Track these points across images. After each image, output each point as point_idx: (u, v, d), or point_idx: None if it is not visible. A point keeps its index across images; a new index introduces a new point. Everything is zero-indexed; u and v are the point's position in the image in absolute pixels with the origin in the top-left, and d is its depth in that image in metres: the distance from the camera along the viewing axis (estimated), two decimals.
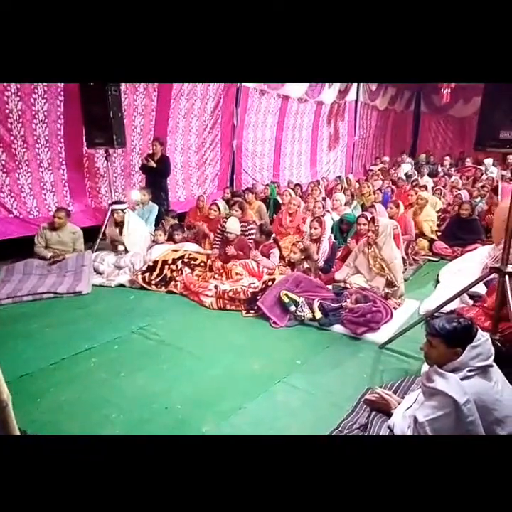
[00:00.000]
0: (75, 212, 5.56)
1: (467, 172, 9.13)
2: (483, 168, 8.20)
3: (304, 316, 3.38)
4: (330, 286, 3.79)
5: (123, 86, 5.53)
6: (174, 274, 4.39)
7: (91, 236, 5.21)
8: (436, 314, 1.93)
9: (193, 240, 5.11)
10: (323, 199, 5.59)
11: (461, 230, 5.12)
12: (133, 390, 2.59)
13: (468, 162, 9.92)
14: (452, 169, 9.29)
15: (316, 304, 3.38)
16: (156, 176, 5.85)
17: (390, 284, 3.59)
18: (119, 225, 4.92)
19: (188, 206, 6.42)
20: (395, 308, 3.50)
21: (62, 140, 5.38)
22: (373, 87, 10.42)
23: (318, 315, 3.32)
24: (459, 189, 6.89)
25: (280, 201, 6.48)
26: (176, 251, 4.63)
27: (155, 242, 4.99)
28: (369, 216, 3.90)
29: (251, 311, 3.66)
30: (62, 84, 5.11)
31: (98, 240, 5.20)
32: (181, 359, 2.98)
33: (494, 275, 2.61)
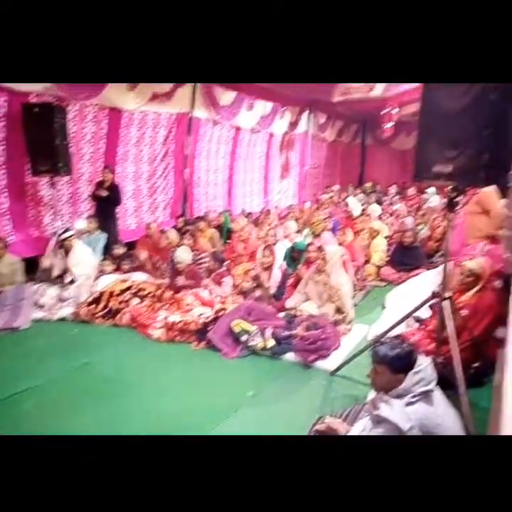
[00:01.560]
0: (16, 242, 5.27)
1: (411, 200, 9.64)
2: (426, 196, 8.68)
3: (255, 346, 3.33)
4: (282, 314, 3.78)
5: (70, 114, 5.41)
6: (121, 305, 4.22)
7: (33, 267, 4.93)
8: (382, 340, 1.95)
9: (142, 269, 4.97)
10: (275, 226, 5.65)
11: (406, 257, 5.33)
12: (77, 433, 2.40)
13: (412, 191, 10.49)
14: (397, 198, 9.76)
15: (268, 333, 3.34)
16: (107, 204, 5.71)
17: (339, 310, 3.64)
18: (65, 254, 4.71)
19: (138, 234, 6.27)
20: (345, 334, 3.54)
21: (3, 167, 5.13)
22: (322, 119, 10.87)
23: (271, 344, 3.29)
24: (405, 216, 7.23)
25: (233, 229, 6.49)
26: (123, 281, 4.47)
27: (102, 272, 4.81)
28: (318, 244, 3.97)
29: (201, 343, 3.56)
30: (4, 109, 4.92)
31: (40, 271, 4.92)
32: (128, 396, 2.82)
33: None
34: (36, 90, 4.99)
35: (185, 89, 6.86)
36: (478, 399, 2.50)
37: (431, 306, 3.61)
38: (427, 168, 2.38)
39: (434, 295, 2.59)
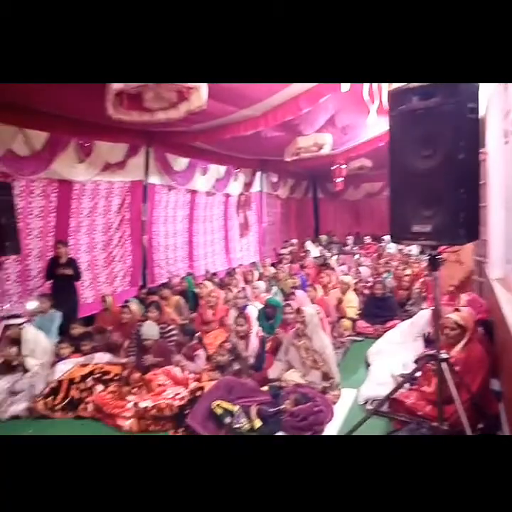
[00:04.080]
0: None
1: (368, 249, 9.89)
2: (383, 244, 8.94)
3: (241, 428, 3.00)
4: (265, 387, 3.49)
5: (17, 189, 5.14)
6: (83, 394, 3.76)
7: None
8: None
9: (104, 348, 4.54)
10: (243, 289, 5.47)
11: (379, 308, 5.29)
12: None
13: (368, 239, 10.81)
14: (355, 247, 10.01)
15: (253, 411, 3.04)
16: (66, 280, 5.33)
17: (325, 376, 3.42)
18: (16, 342, 4.23)
19: (96, 308, 5.86)
20: (335, 403, 3.29)
21: None
22: (274, 178, 11.24)
23: (258, 424, 2.97)
24: (367, 266, 7.34)
25: (198, 293, 6.24)
26: (84, 366, 4.04)
27: (59, 356, 4.33)
28: (294, 305, 3.81)
29: (180, 430, 3.18)
30: None
31: None
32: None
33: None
34: None
35: (138, 158, 6.82)
36: None
37: (415, 361, 3.52)
38: (405, 228, 2.33)
39: (428, 359, 2.46)
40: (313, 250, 9.93)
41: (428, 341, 3.98)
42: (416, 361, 3.31)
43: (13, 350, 4.22)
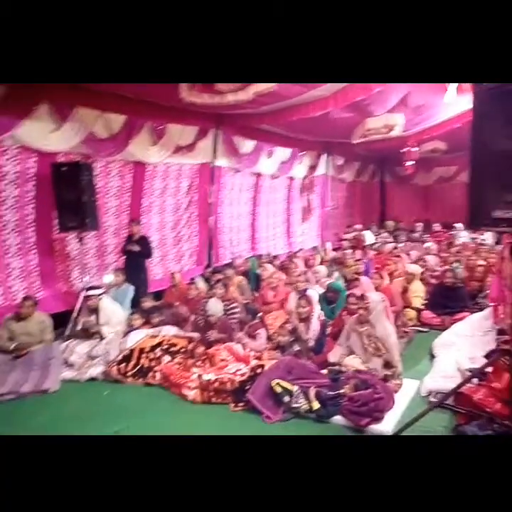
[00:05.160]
0: (46, 298, 5.22)
1: (438, 237, 9.40)
2: (454, 232, 8.45)
3: (300, 408, 3.07)
4: (324, 371, 3.52)
5: (97, 169, 5.51)
6: (152, 363, 4.03)
7: (62, 322, 4.83)
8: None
9: (171, 321, 4.81)
10: (304, 272, 5.48)
11: (447, 299, 5.05)
12: None
13: (437, 227, 10.26)
14: (425, 235, 9.55)
15: (312, 393, 3.08)
16: (138, 257, 5.68)
17: (387, 364, 3.37)
18: (94, 311, 4.61)
19: (164, 284, 6.20)
20: (396, 392, 3.24)
21: (33, 224, 5.18)
22: (340, 162, 10.96)
23: (316, 406, 3.02)
24: (434, 255, 7.00)
25: (260, 274, 6.36)
26: (153, 337, 4.31)
27: (131, 326, 4.67)
28: (358, 293, 3.76)
29: (240, 404, 3.31)
30: (35, 169, 5.03)
31: (69, 327, 4.82)
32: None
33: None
34: (63, 150, 5.10)
35: (207, 141, 6.98)
36: None
37: (486, 356, 3.35)
38: (484, 214, 2.20)
39: (502, 353, 2.33)
40: (370, 239, 9.67)
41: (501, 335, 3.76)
42: (487, 356, 3.15)
43: (92, 318, 4.62)
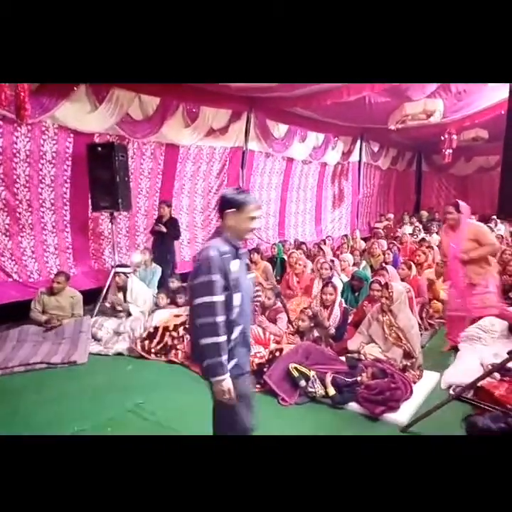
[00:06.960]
0: (78, 275, 5.45)
1: None
2: (492, 224, 8.09)
3: (315, 393, 3.09)
4: (343, 358, 3.52)
5: (130, 151, 5.62)
6: (175, 341, 4.15)
7: (93, 298, 5.04)
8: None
9: None
10: (332, 261, 5.43)
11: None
12: None
13: (474, 219, 9.85)
14: None
15: (328, 379, 3.10)
16: (166, 238, 5.80)
17: (407, 355, 3.33)
18: (122, 289, 4.78)
19: (192, 266, 6.29)
20: (415, 383, 3.20)
21: (67, 203, 5.38)
22: (375, 148, 10.67)
23: (332, 391, 3.03)
24: None
25: (286, 260, 6.36)
26: (177, 316, 4.42)
27: (157, 305, 4.81)
28: (382, 281, 3.70)
29: (257, 386, 3.37)
30: (71, 149, 5.19)
31: (99, 304, 5.02)
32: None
33: None
34: (99, 130, 5.24)
35: (240, 124, 6.96)
36: None
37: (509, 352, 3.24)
38: None
39: None
40: (408, 229, 9.41)
41: None
42: (510, 352, 3.04)
43: (120, 295, 4.79)
